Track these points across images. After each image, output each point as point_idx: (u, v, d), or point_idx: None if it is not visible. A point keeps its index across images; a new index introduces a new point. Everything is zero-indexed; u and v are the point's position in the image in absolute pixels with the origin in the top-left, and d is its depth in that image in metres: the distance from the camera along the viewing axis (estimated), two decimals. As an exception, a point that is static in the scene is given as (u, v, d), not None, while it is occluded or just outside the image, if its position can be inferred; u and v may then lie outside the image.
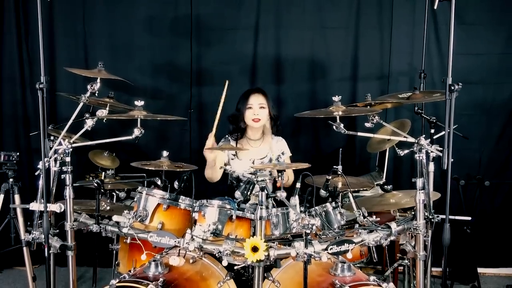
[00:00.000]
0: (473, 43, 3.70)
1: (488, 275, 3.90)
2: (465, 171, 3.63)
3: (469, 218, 2.86)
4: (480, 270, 3.68)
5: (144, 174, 3.05)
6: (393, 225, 2.33)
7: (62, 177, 2.42)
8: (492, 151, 3.82)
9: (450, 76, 2.11)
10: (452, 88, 2.07)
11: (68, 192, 2.38)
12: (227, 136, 3.31)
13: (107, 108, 2.71)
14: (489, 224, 3.83)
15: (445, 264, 2.27)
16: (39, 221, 2.41)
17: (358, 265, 2.73)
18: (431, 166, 2.92)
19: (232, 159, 3.23)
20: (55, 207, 2.34)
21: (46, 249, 2.27)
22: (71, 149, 2.41)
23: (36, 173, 2.47)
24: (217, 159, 3.12)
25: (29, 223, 2.60)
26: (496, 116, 3.79)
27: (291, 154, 3.35)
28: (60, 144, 2.42)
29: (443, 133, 3.08)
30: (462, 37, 3.62)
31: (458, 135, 3.19)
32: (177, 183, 2.56)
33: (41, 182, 2.37)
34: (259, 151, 3.26)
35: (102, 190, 2.48)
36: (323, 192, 2.49)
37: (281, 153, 3.29)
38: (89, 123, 2.48)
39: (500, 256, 3.90)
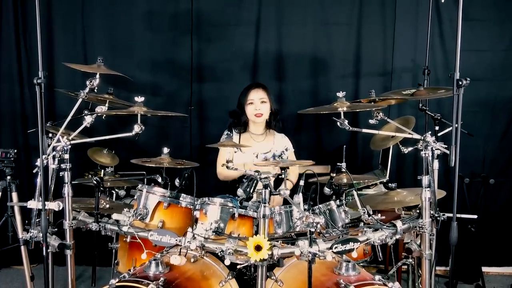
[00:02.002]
0: (478, 39, 3.66)
1: (492, 274, 3.86)
2: (469, 169, 3.61)
3: (475, 217, 2.82)
4: (484, 269, 3.65)
5: (144, 172, 3.02)
6: (398, 223, 2.29)
7: (60, 175, 2.38)
8: (497, 149, 3.78)
9: (458, 71, 2.05)
10: (460, 83, 2.02)
11: (67, 190, 2.34)
12: (227, 131, 3.28)
13: (107, 105, 2.67)
14: (494, 223, 3.80)
15: (452, 263, 2.24)
16: (37, 220, 2.37)
17: (361, 264, 2.69)
18: (436, 164, 2.87)
19: (235, 151, 3.21)
20: (53, 205, 2.30)
21: (44, 248, 2.23)
22: (69, 146, 2.36)
23: (34, 171, 2.43)
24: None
25: (27, 221, 2.56)
26: (501, 113, 3.75)
27: (293, 150, 3.32)
28: (58, 141, 2.38)
29: (447, 130, 3.06)
30: (466, 33, 3.55)
31: (463, 132, 3.14)
32: (178, 180, 2.52)
33: (39, 180, 2.32)
34: (262, 145, 3.25)
35: (101, 188, 2.45)
36: (327, 190, 2.45)
37: (285, 149, 3.26)
38: (88, 119, 2.44)
39: (504, 255, 3.86)
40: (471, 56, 3.59)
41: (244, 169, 2.31)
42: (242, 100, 3.21)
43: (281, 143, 3.29)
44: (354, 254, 2.11)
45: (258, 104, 3.16)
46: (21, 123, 3.90)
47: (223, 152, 3.15)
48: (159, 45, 3.85)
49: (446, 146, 2.35)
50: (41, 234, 2.26)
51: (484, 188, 3.48)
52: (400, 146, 2.57)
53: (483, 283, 3.50)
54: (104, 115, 2.63)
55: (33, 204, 2.32)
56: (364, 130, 2.46)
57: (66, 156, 2.36)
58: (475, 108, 3.68)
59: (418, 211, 2.44)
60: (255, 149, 3.22)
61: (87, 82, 2.47)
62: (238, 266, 2.18)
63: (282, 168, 2.31)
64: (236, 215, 2.24)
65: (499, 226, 3.82)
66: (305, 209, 2.20)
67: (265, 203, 2.04)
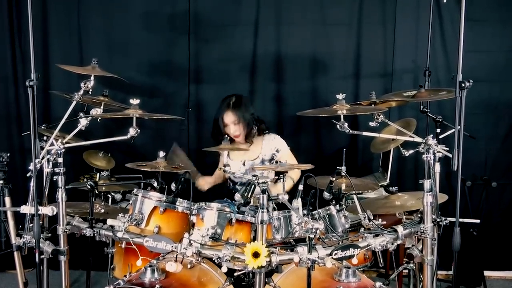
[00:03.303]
0: (480, 40, 3.61)
1: (494, 278, 3.82)
2: (470, 172, 3.55)
3: (478, 221, 2.78)
4: (486, 273, 3.60)
5: (141, 175, 2.97)
6: (399, 228, 2.26)
7: (54, 179, 2.34)
8: (499, 151, 3.73)
9: (460, 73, 2.01)
10: (463, 85, 1.98)
11: (61, 195, 2.31)
12: (226, 136, 3.24)
13: (102, 107, 2.63)
14: (496, 226, 3.76)
15: (455, 269, 2.21)
16: (31, 225, 2.32)
17: (361, 268, 2.65)
18: (437, 167, 2.83)
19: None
20: (47, 210, 2.26)
21: (37, 255, 2.19)
22: (63, 150, 2.33)
23: (28, 175, 2.38)
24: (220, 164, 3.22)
25: (20, 226, 2.52)
26: (503, 115, 3.70)
27: (288, 148, 3.23)
28: (52, 144, 2.34)
29: (449, 132, 3.02)
30: (468, 34, 3.49)
31: (465, 134, 3.10)
32: (174, 185, 2.50)
33: (32, 185, 2.28)
34: (249, 152, 3.19)
35: (96, 192, 2.41)
36: (326, 194, 2.42)
37: (276, 151, 3.19)
38: (83, 122, 2.41)
39: (506, 259, 3.81)
40: (472, 57, 3.53)
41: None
42: (218, 122, 3.14)
43: (270, 145, 3.19)
44: (355, 261, 2.07)
45: (232, 127, 3.09)
46: (16, 125, 3.86)
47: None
48: (156, 46, 3.80)
49: (448, 149, 2.31)
50: (34, 240, 2.22)
51: (486, 191, 3.43)
52: (401, 148, 2.53)
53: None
54: (99, 118, 2.59)
55: (26, 209, 2.28)
56: (365, 133, 2.44)
57: (60, 160, 2.32)
58: (477, 109, 3.62)
59: (419, 215, 2.40)
60: (242, 156, 3.18)
61: (81, 84, 2.44)
62: (236, 273, 2.15)
63: (280, 172, 2.27)
64: (234, 220, 2.21)
65: (501, 230, 3.77)
66: (304, 214, 2.17)
67: (262, 208, 1.99)
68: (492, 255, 3.72)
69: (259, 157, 3.17)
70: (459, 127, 2.02)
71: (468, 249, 3.34)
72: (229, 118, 3.09)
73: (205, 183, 3.25)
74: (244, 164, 3.17)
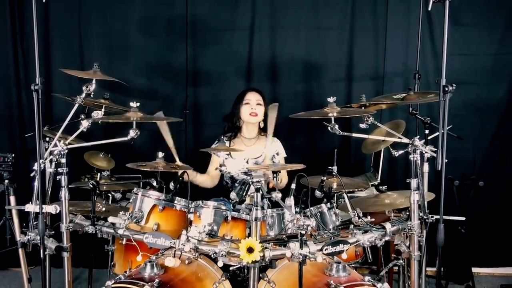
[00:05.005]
0: (467, 43, 3.72)
1: (483, 275, 3.92)
2: (459, 171, 3.65)
3: (463, 218, 2.87)
4: (474, 269, 3.70)
5: (140, 175, 3.04)
6: (387, 225, 2.34)
7: (57, 179, 2.40)
8: (486, 151, 3.84)
9: (444, 77, 2.11)
10: (446, 89, 2.08)
11: (64, 194, 2.37)
12: (221, 137, 3.32)
13: (103, 110, 2.70)
14: (484, 224, 3.85)
15: (439, 264, 2.29)
16: (35, 223, 2.40)
17: (353, 265, 2.74)
18: (426, 167, 2.93)
19: (226, 158, 3.25)
20: (50, 209, 2.33)
21: (41, 251, 2.26)
22: (66, 151, 2.39)
23: (32, 175, 2.45)
24: (212, 164, 3.26)
25: (24, 224, 2.59)
26: (490, 116, 3.81)
27: (285, 156, 3.36)
28: (55, 145, 2.41)
29: (437, 133, 3.11)
30: (456, 38, 3.64)
31: (452, 135, 3.20)
32: (172, 184, 2.56)
33: (36, 184, 2.36)
34: (253, 150, 3.27)
35: (97, 191, 2.48)
36: (318, 193, 2.50)
37: (276, 153, 3.29)
38: (85, 124, 2.46)
39: (494, 256, 3.92)
40: (460, 60, 3.65)
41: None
42: (239, 101, 3.24)
43: (272, 146, 3.28)
44: (344, 256, 2.16)
45: (254, 105, 3.19)
46: (18, 126, 3.91)
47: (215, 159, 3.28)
48: (155, 49, 3.88)
49: (435, 149, 2.39)
50: (38, 237, 2.29)
51: (474, 190, 3.50)
52: (391, 149, 2.61)
53: (473, 284, 3.54)
54: (101, 121, 2.66)
55: (31, 207, 2.35)
56: (355, 135, 2.51)
57: (63, 160, 2.39)
58: (465, 111, 3.74)
59: (407, 213, 2.49)
60: (246, 154, 3.22)
61: (83, 88, 2.50)
62: (231, 268, 2.23)
63: (273, 172, 2.35)
64: (229, 218, 2.29)
65: (489, 228, 3.87)
66: (296, 212, 2.23)
67: (257, 206, 2.09)
68: (480, 252, 3.82)
69: (262, 155, 3.25)
70: (443, 130, 2.11)
71: (457, 246, 3.44)
72: (254, 96, 3.23)
73: (204, 180, 3.28)
74: (247, 162, 3.23)
